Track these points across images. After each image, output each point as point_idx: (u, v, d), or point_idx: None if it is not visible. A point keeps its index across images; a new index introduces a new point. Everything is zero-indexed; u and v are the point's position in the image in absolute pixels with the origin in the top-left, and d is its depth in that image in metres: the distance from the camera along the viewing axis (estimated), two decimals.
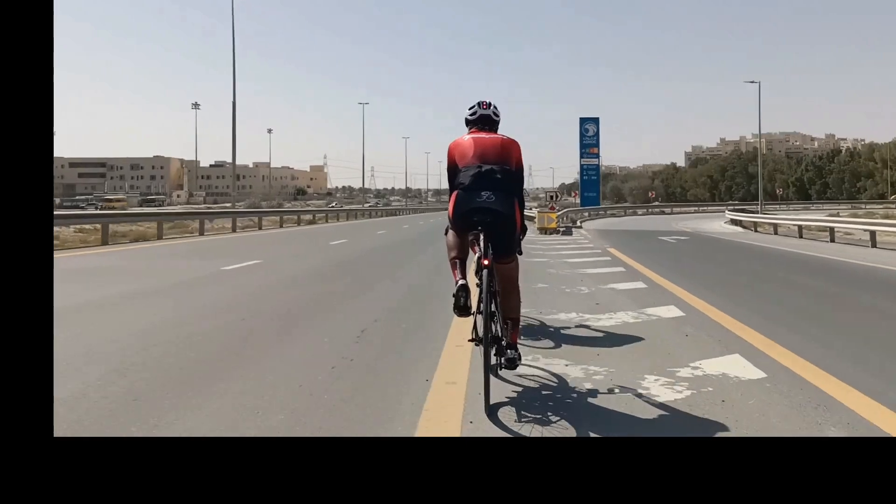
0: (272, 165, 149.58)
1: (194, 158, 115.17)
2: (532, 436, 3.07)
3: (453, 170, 4.08)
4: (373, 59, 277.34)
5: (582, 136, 48.30)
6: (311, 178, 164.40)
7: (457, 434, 3.01)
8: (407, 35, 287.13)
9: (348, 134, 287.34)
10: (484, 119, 4.35)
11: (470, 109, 4.37)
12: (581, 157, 47.30)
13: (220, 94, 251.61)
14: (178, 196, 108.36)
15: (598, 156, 45.58)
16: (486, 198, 3.82)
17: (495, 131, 4.30)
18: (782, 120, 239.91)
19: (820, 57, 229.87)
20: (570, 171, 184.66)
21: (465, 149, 4.06)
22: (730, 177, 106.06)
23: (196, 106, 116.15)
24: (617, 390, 3.85)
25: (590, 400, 3.70)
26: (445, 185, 4.55)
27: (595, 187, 45.48)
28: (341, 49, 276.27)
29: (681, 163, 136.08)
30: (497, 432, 3.10)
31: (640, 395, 3.75)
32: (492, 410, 3.42)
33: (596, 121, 47.46)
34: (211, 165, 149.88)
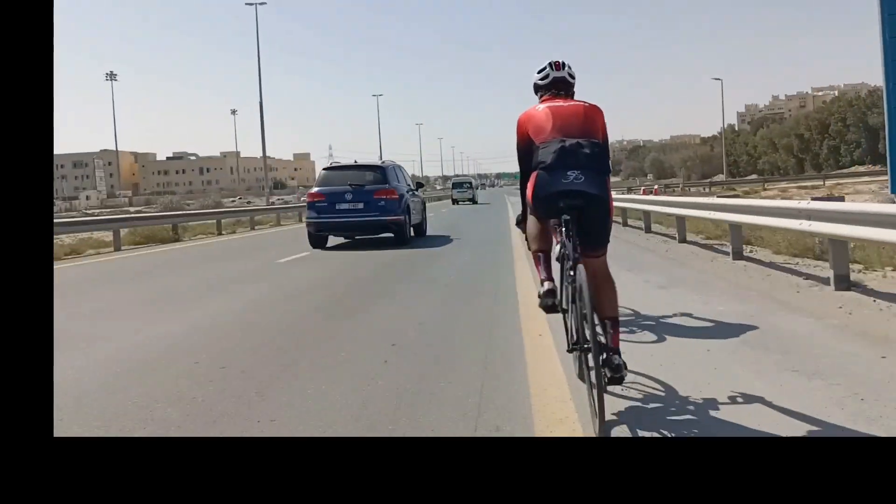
0: (250, 155, 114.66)
1: (115, 147, 79.82)
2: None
3: (527, 147, 3.50)
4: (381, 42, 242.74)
5: None
6: (295, 169, 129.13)
7: None
8: (419, 16, 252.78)
9: (358, 121, 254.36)
10: (559, 83, 3.68)
11: (540, 73, 3.73)
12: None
13: (183, 76, 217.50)
14: (88, 198, 73.92)
15: None
16: (574, 178, 3.20)
17: (572, 97, 3.69)
18: (829, 73, 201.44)
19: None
20: None
21: (540, 121, 3.44)
22: (835, 133, 67.79)
23: (111, 76, 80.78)
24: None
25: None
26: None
27: None
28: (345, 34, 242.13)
29: (703, 133, 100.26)
30: None
31: None
32: (605, 432, 2.94)
33: None
34: (168, 158, 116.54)
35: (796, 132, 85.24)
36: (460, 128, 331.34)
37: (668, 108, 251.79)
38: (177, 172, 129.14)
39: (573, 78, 3.72)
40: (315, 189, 13.82)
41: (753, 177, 73.03)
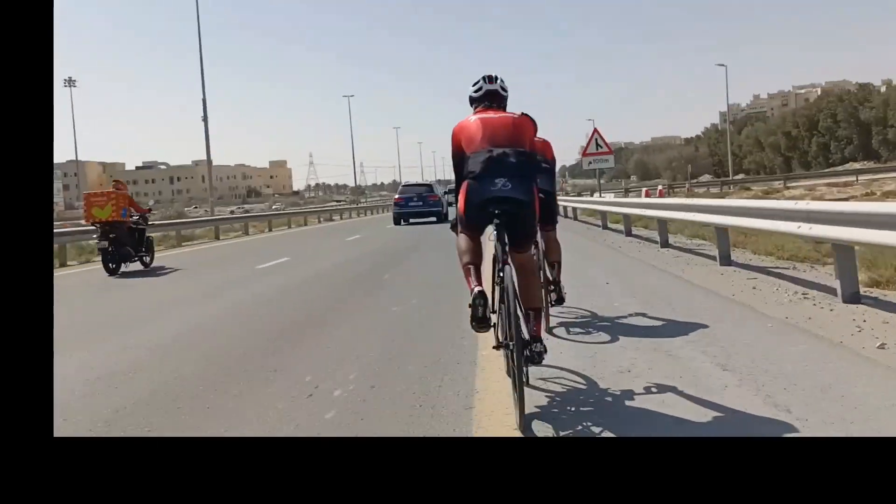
0: (223, 163, 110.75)
1: (75, 156, 75.49)
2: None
3: (460, 157, 3.70)
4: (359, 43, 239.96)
5: None
6: (271, 177, 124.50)
7: None
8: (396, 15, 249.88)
9: (337, 128, 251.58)
10: (491, 95, 3.87)
11: (474, 86, 3.94)
12: None
13: (157, 83, 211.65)
14: None
15: None
16: (502, 185, 3.45)
17: (504, 109, 3.89)
18: (808, 72, 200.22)
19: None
20: (570, 153, 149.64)
21: (472, 132, 3.65)
22: (825, 129, 65.12)
23: (70, 83, 75.45)
24: (655, 389, 3.62)
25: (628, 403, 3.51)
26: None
27: None
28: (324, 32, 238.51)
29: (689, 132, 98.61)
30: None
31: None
32: (526, 425, 3.19)
33: None
34: (138, 168, 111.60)
35: (783, 130, 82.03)
36: (441, 132, 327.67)
37: (649, 111, 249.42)
38: (146, 182, 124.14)
39: (505, 91, 3.91)
40: (397, 196, 27.12)
41: (741, 176, 69.60)
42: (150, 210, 13.54)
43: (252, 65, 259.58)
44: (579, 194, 48.57)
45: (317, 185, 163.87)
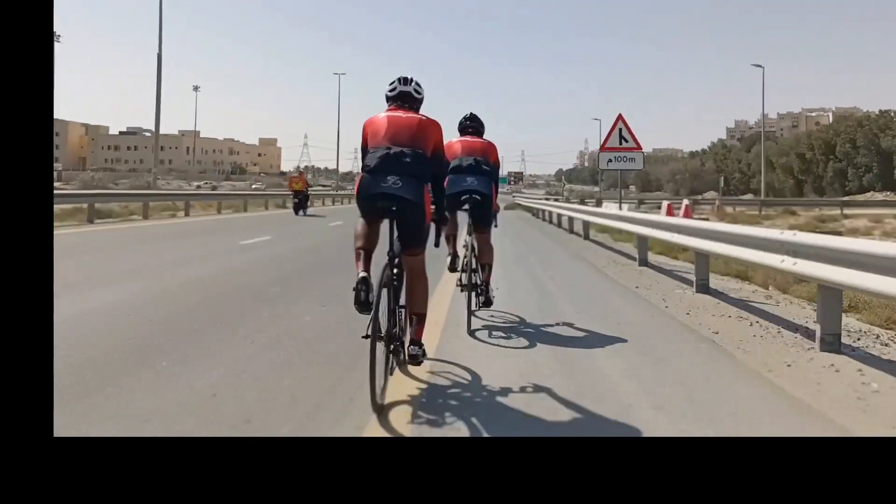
0: (211, 136, 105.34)
1: (54, 116, 67.58)
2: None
3: (364, 150, 3.89)
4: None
5: None
6: (260, 154, 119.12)
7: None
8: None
9: (335, 112, 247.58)
10: (404, 96, 4.00)
11: (390, 85, 4.07)
12: None
13: (145, 46, 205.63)
14: None
15: None
16: (392, 183, 3.58)
17: (416, 111, 4.02)
18: (818, 95, 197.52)
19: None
20: (569, 157, 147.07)
21: (377, 127, 3.82)
22: (842, 154, 60.69)
23: (54, 37, 68.48)
24: (530, 389, 3.81)
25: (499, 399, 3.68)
26: None
27: None
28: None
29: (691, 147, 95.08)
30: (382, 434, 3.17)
31: None
32: (383, 411, 3.37)
33: None
34: (121, 133, 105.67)
35: (797, 151, 77.41)
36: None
37: (652, 121, 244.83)
38: (129, 149, 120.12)
39: (419, 94, 4.01)
40: None
41: (749, 196, 64.80)
42: (311, 185, 34.09)
43: (251, 40, 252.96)
44: (582, 201, 40.04)
45: (307, 167, 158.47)
